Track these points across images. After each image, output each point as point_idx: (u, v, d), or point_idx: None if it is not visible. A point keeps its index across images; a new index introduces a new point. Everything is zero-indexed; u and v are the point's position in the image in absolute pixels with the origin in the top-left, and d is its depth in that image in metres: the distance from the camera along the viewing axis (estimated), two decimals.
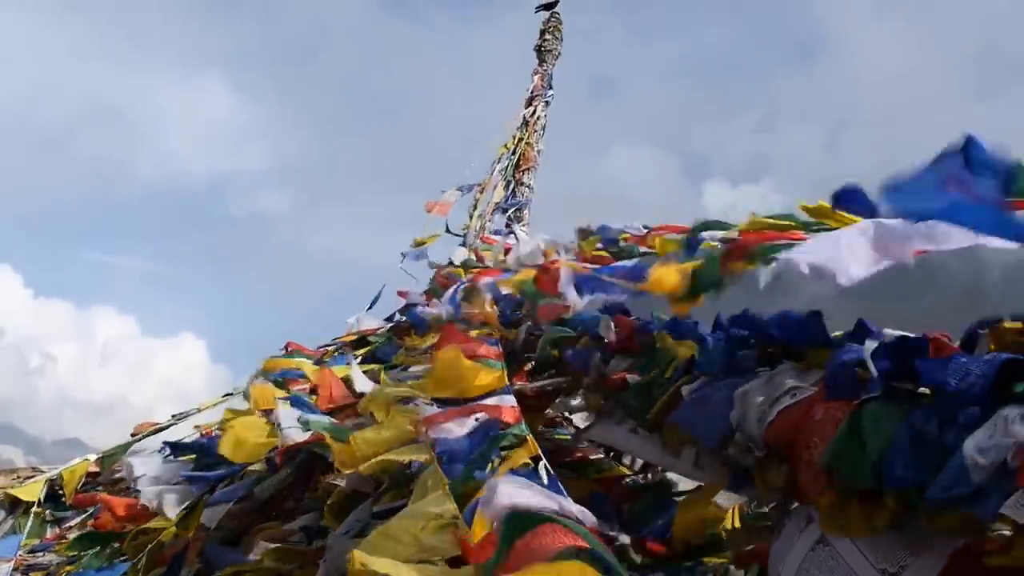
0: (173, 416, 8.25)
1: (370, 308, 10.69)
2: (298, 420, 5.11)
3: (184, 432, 8.09)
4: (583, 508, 2.92)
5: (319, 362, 7.64)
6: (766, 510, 4.18)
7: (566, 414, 6.33)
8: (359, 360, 7.62)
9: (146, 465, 5.89)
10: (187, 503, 5.46)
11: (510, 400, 4.20)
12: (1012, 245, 2.26)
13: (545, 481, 3.30)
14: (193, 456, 6.12)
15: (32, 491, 7.17)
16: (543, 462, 3.47)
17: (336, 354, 8.08)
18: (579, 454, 6.20)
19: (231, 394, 8.27)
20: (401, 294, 9.31)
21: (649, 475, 6.09)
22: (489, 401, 4.20)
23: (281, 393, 6.03)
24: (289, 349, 8.38)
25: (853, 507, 2.43)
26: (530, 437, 3.73)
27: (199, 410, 8.35)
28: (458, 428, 3.91)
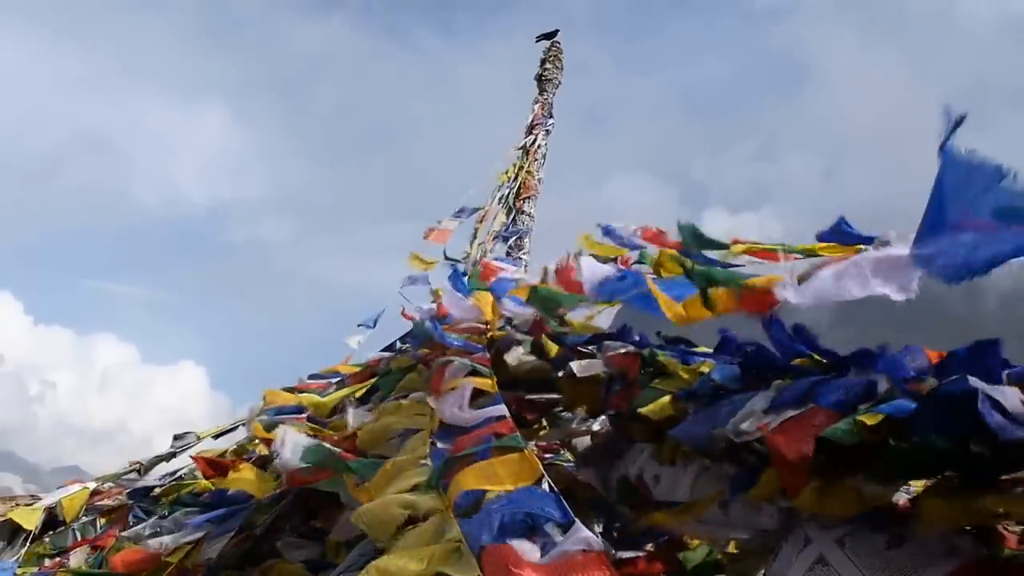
0: (173, 443, 8.23)
1: (362, 326, 10.65)
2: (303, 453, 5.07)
3: (185, 462, 8.10)
4: (592, 535, 2.92)
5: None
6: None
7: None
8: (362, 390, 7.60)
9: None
10: (189, 540, 5.47)
11: (502, 410, 4.20)
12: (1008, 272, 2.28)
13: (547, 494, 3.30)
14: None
15: (30, 518, 7.14)
16: (544, 478, 3.45)
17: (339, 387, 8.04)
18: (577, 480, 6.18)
19: (235, 427, 8.26)
20: (407, 316, 9.27)
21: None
22: (483, 410, 4.20)
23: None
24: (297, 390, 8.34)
25: (835, 490, 2.49)
26: (529, 452, 3.70)
27: (199, 438, 8.34)
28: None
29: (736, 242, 4.18)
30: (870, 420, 2.45)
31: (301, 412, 6.81)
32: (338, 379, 8.26)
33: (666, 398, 3.74)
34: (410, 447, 4.31)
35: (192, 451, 8.17)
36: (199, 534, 5.48)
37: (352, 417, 5.54)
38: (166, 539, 5.45)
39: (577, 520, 2.99)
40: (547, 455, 6.56)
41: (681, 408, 3.64)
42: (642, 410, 3.80)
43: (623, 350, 4.50)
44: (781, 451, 2.79)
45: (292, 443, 4.90)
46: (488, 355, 5.01)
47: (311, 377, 8.82)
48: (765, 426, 2.84)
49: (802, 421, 2.78)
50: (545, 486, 3.35)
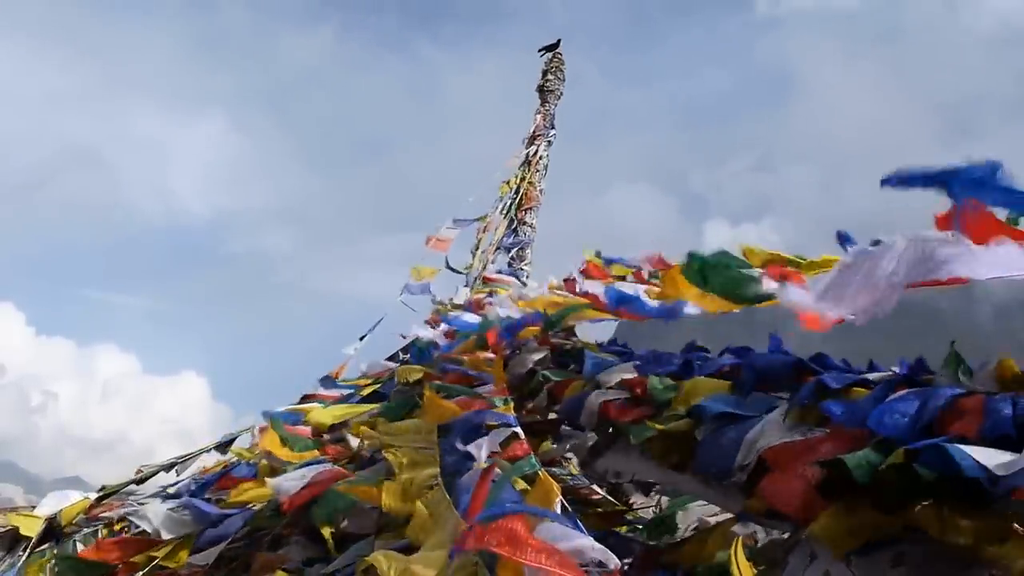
0: (177, 459, 8.25)
1: (363, 338, 10.69)
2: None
3: (187, 473, 8.09)
4: (605, 548, 2.92)
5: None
6: (770, 537, 4.18)
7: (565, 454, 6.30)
8: (364, 398, 7.62)
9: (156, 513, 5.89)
10: (180, 533, 5.47)
11: (517, 431, 4.21)
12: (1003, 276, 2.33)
13: (560, 516, 3.30)
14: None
15: (31, 527, 7.14)
16: (560, 499, 3.47)
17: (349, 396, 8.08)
18: (581, 493, 6.19)
19: (237, 435, 8.28)
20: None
21: (659, 507, 6.08)
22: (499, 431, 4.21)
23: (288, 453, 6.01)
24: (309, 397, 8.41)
25: (843, 518, 2.51)
26: (544, 473, 3.72)
27: (202, 451, 8.35)
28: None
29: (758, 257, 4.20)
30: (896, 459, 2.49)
31: (300, 418, 6.87)
32: (348, 391, 8.31)
33: (683, 422, 3.78)
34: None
35: (195, 461, 8.20)
36: (189, 529, 5.50)
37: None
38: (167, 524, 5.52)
39: (591, 538, 3.01)
40: (550, 468, 6.56)
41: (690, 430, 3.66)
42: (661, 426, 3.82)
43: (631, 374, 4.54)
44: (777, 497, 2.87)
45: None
46: (504, 385, 5.04)
47: (322, 382, 8.87)
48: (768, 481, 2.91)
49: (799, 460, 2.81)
50: (559, 508, 3.37)
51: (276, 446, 6.03)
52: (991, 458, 2.34)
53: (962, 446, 2.38)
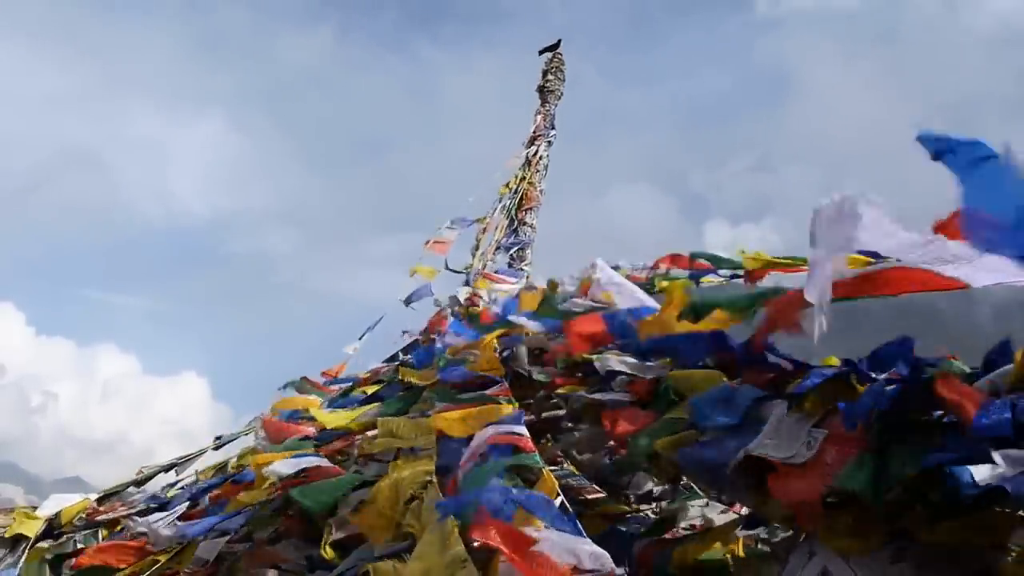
0: (177, 459, 8.27)
1: (362, 338, 10.73)
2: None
3: (187, 475, 8.10)
4: (601, 551, 2.92)
5: (332, 402, 7.69)
6: (769, 540, 4.19)
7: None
8: (364, 400, 7.65)
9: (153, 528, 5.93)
10: (181, 539, 5.49)
11: (522, 429, 4.22)
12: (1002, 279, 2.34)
13: (558, 514, 3.30)
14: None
15: (31, 528, 7.15)
16: (561, 498, 3.47)
17: (346, 394, 8.13)
18: (582, 493, 6.20)
19: (232, 437, 8.30)
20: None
21: (659, 507, 6.10)
22: (502, 429, 4.22)
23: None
24: (303, 383, 8.46)
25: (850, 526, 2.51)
26: (547, 472, 3.72)
27: (202, 452, 8.35)
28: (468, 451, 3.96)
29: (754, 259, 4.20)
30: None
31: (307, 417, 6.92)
32: (348, 384, 8.34)
33: (681, 435, 3.74)
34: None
35: (196, 461, 8.22)
36: (190, 537, 5.54)
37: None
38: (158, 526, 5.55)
39: (588, 540, 3.01)
40: (551, 468, 6.57)
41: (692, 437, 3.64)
42: (658, 445, 3.82)
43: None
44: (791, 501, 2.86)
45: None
46: (507, 384, 5.07)
47: (323, 376, 8.91)
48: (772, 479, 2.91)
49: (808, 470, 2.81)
50: (558, 505, 3.37)
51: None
52: (983, 473, 2.34)
53: (970, 467, 2.36)
